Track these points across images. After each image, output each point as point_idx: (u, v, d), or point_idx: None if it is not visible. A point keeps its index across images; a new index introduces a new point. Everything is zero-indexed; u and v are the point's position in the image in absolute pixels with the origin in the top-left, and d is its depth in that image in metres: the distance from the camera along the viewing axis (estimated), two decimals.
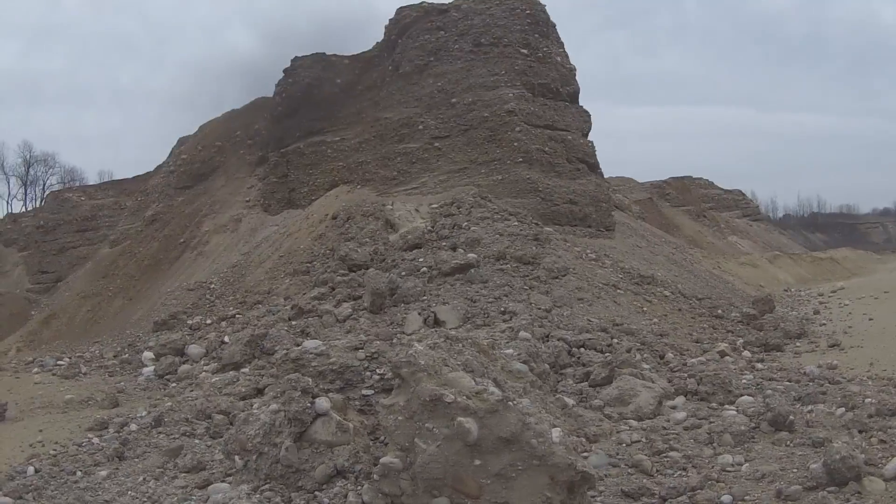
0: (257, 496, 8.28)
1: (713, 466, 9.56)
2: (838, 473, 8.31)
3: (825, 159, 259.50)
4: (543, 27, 31.53)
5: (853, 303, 31.08)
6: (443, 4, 31.74)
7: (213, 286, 25.33)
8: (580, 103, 31.97)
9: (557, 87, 30.72)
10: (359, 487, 8.21)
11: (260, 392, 13.08)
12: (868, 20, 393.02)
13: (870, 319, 24.12)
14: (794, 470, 9.07)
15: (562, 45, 32.67)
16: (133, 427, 12.36)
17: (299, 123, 32.10)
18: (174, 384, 16.63)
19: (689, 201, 68.01)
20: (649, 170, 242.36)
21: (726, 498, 8.43)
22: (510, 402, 7.33)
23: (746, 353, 18.05)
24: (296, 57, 33.82)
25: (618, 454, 10.17)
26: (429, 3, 31.90)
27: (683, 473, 9.40)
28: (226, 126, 37.05)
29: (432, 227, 23.43)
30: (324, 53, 33.48)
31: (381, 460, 7.52)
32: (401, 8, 32.58)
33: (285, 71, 33.97)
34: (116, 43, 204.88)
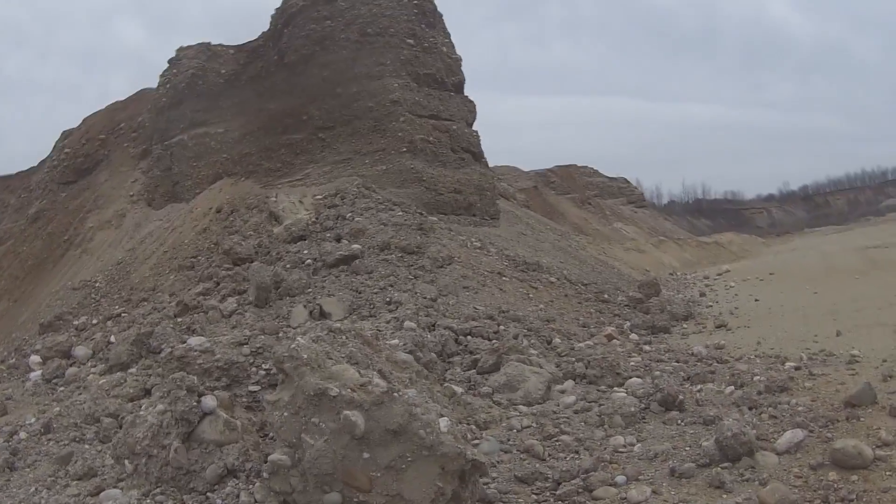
0: (149, 501, 8.18)
1: (605, 448, 9.69)
2: (731, 449, 8.55)
3: (712, 148, 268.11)
4: (430, 17, 31.62)
5: (739, 285, 32.08)
6: None
7: (98, 284, 24.74)
8: (466, 93, 32.21)
9: (443, 77, 30.86)
10: (250, 486, 8.17)
11: (147, 392, 12.70)
12: (758, 15, 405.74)
13: (756, 300, 24.93)
14: (687, 448, 9.27)
15: (448, 35, 32.73)
16: (22, 435, 12.10)
17: (183, 115, 31.47)
18: (62, 388, 16.21)
19: (574, 189, 69.04)
20: (537, 159, 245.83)
21: (620, 478, 8.54)
22: (396, 394, 7.32)
23: (634, 336, 18.36)
24: (181, 47, 33.09)
25: (509, 440, 10.23)
26: None
27: (576, 456, 9.47)
28: (110, 118, 36.09)
29: (316, 218, 23.49)
30: (209, 43, 32.79)
31: (270, 458, 7.45)
32: None
33: (170, 61, 33.20)
34: (2, 30, 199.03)
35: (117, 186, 32.32)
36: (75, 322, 21.60)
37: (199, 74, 31.77)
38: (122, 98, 37.64)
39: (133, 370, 15.28)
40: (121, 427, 10.17)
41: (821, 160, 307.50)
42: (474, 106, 31.95)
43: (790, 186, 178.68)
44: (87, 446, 11.06)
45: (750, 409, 10.71)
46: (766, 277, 34.77)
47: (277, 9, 32.28)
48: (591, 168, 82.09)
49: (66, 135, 37.46)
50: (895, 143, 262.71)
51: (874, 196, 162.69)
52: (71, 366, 17.66)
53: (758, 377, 12.59)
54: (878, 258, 38.84)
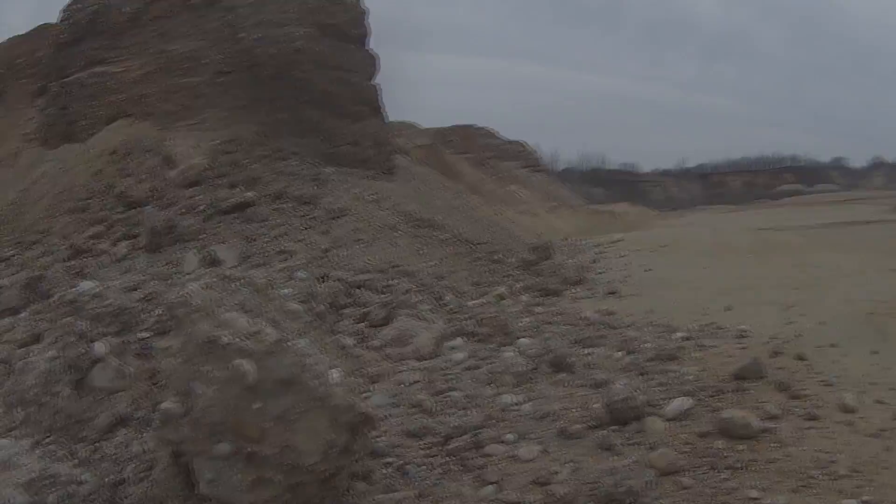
0: (40, 450, 7.92)
1: (495, 406, 9.71)
2: (620, 413, 8.72)
3: (611, 119, 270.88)
4: None
5: (631, 254, 32.13)
6: None
7: None
8: (369, 47, 31.92)
9: (347, 28, 30.63)
10: (141, 435, 8.10)
11: (38, 338, 12.45)
12: None
13: (647, 270, 25.17)
14: (576, 409, 9.36)
15: None
16: None
17: (83, 52, 30.54)
18: None
19: (471, 149, 68.59)
20: (435, 117, 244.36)
21: (510, 436, 8.61)
22: (287, 343, 7.10)
23: (525, 297, 18.27)
24: None
25: (399, 394, 10.28)
26: None
27: (465, 413, 9.46)
28: (8, 53, 34.84)
29: (211, 164, 23.28)
30: None
31: (161, 406, 7.16)
32: None
33: None
34: None
35: (13, 124, 31.44)
36: None
37: (101, 11, 30.71)
38: (23, 32, 36.46)
39: (24, 315, 15.09)
40: (11, 374, 9.97)
41: (719, 141, 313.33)
42: (375, 60, 31.56)
43: (687, 164, 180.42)
44: None
45: (639, 374, 10.80)
46: (658, 249, 34.86)
47: None
48: (490, 129, 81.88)
49: None
50: (793, 132, 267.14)
51: (770, 180, 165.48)
52: None
53: (647, 344, 12.61)
54: (771, 240, 39.56)
